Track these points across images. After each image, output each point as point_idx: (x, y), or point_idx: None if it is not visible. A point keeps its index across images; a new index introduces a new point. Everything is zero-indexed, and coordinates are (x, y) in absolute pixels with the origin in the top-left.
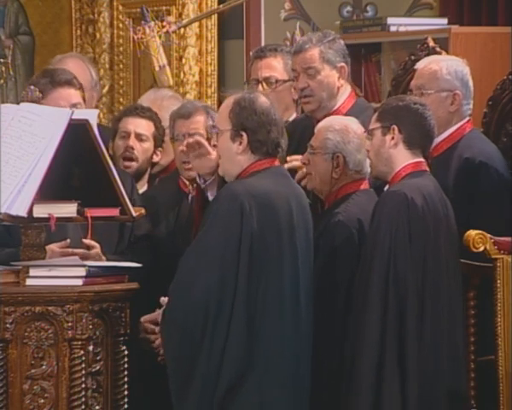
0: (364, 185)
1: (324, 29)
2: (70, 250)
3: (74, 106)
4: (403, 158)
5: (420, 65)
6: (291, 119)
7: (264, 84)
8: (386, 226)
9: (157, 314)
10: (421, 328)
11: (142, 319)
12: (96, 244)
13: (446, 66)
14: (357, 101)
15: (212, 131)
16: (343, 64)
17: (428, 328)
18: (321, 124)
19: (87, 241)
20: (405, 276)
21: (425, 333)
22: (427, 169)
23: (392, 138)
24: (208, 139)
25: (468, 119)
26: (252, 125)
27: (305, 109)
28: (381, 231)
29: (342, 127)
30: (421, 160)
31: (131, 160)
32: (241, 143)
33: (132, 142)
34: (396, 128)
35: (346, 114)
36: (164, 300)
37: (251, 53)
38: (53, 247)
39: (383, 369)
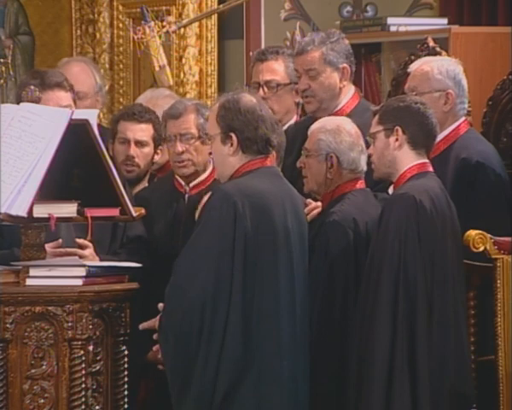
0: (360, 184)
1: (324, 29)
2: (63, 250)
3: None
4: (408, 159)
5: (412, 67)
6: (292, 121)
7: (266, 89)
8: (396, 229)
9: (155, 321)
10: (430, 328)
11: (141, 326)
12: (90, 244)
13: (437, 66)
14: (360, 101)
15: (204, 138)
16: (345, 65)
17: (436, 328)
18: (313, 126)
19: (80, 240)
20: (415, 278)
21: (433, 334)
22: (432, 170)
23: (397, 140)
24: (200, 137)
25: (464, 119)
26: (238, 124)
27: (306, 109)
28: (391, 233)
29: (334, 127)
30: (426, 160)
31: (132, 165)
32: (231, 145)
33: (133, 150)
34: (399, 129)
35: (349, 114)
36: (161, 306)
37: (251, 53)
38: (45, 247)
39: (394, 371)
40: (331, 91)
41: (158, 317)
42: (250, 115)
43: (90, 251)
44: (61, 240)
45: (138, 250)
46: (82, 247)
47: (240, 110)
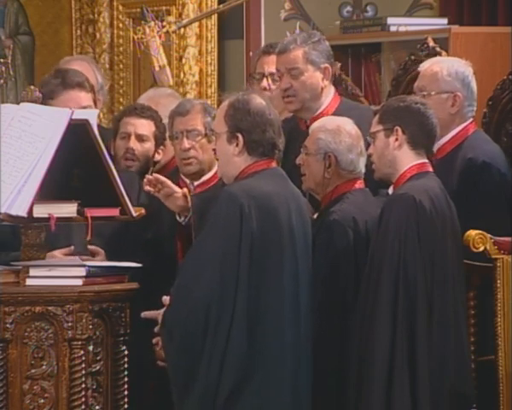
0: (359, 184)
1: (324, 29)
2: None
3: (84, 109)
4: (407, 159)
5: (423, 66)
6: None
7: (270, 80)
8: (396, 229)
9: (158, 313)
10: (430, 328)
11: (143, 314)
12: (101, 251)
13: (447, 67)
14: (342, 101)
15: (210, 135)
16: (327, 65)
17: (436, 328)
18: (314, 124)
19: (92, 247)
20: (415, 278)
21: (433, 334)
22: (431, 170)
23: (396, 140)
24: (206, 135)
25: (471, 120)
26: (246, 125)
27: (287, 109)
28: (390, 233)
29: (334, 127)
30: (426, 161)
31: (133, 160)
32: (237, 145)
33: (133, 143)
34: (399, 129)
35: (333, 115)
36: (166, 299)
37: (251, 53)
38: (56, 253)
39: (394, 370)
40: (313, 91)
41: (161, 311)
42: (259, 118)
43: (101, 258)
44: (73, 247)
45: (147, 255)
46: (93, 254)
47: (249, 111)
